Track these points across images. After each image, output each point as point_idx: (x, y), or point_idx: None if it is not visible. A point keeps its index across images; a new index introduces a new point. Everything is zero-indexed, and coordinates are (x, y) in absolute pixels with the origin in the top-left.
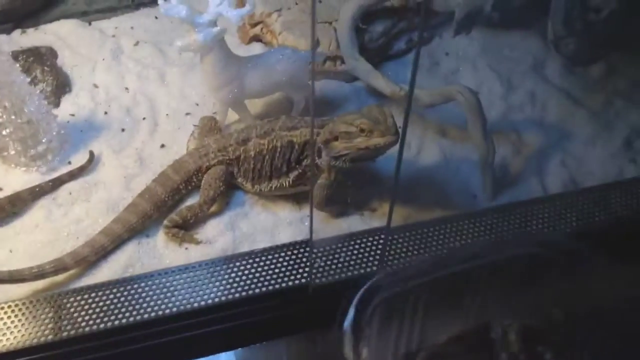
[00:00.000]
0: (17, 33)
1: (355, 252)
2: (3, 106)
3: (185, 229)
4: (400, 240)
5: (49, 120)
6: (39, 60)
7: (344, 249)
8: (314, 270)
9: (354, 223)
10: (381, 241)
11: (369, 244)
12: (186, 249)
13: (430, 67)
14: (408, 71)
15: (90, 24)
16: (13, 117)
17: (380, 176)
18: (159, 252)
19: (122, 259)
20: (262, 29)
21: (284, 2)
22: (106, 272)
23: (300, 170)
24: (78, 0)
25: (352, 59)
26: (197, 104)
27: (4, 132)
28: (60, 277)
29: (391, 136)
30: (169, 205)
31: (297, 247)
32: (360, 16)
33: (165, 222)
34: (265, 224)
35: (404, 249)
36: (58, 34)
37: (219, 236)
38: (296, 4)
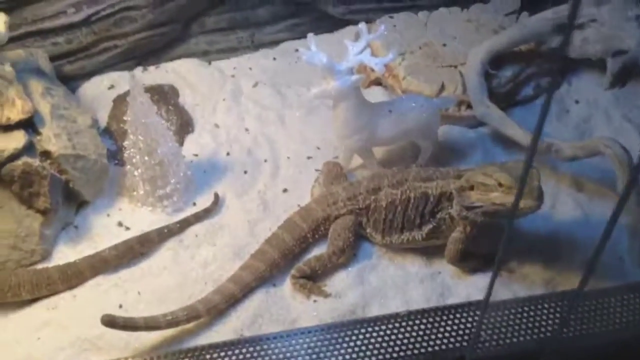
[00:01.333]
0: (138, 70)
1: (525, 319)
2: (138, 147)
3: (313, 280)
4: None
5: (178, 162)
6: (164, 99)
7: (516, 315)
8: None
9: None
10: (558, 309)
11: (545, 311)
12: (315, 301)
13: (560, 115)
14: (535, 118)
15: (210, 63)
16: (146, 157)
17: (520, 233)
18: (286, 302)
19: (251, 309)
20: (385, 73)
21: (408, 47)
22: (235, 322)
23: (434, 224)
24: (200, 40)
25: (482, 105)
26: (319, 148)
27: (135, 173)
28: (190, 325)
29: (532, 201)
30: (295, 254)
31: (455, 310)
32: (490, 61)
33: (293, 271)
34: (395, 279)
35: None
36: (179, 73)
37: (347, 289)
38: (420, 48)
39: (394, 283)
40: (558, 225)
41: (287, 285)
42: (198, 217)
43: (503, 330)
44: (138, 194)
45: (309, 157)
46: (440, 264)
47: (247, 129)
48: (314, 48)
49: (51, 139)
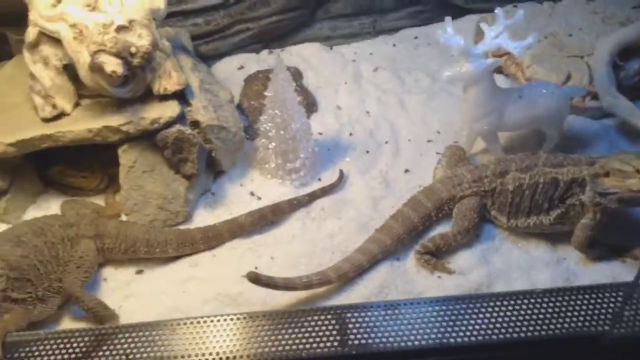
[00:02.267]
0: (264, 53)
1: None
2: (275, 122)
3: (436, 257)
4: None
5: (308, 138)
6: None
7: None
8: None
9: (616, 270)
10: None
11: None
12: (439, 277)
13: None
14: None
15: (331, 48)
16: (282, 132)
17: None
18: (410, 277)
19: (377, 280)
20: (506, 60)
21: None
22: (363, 290)
23: (562, 210)
24: (324, 25)
25: (610, 96)
26: (439, 132)
27: (270, 146)
28: (322, 290)
29: None
30: (419, 231)
31: (592, 290)
32: (618, 52)
33: (418, 247)
34: (519, 262)
35: None
36: (302, 56)
37: (472, 268)
38: (545, 37)
39: (519, 266)
40: None
41: (410, 260)
42: (325, 191)
43: None
44: (269, 166)
45: (429, 141)
46: (564, 250)
47: (368, 112)
48: (451, 31)
49: (200, 110)
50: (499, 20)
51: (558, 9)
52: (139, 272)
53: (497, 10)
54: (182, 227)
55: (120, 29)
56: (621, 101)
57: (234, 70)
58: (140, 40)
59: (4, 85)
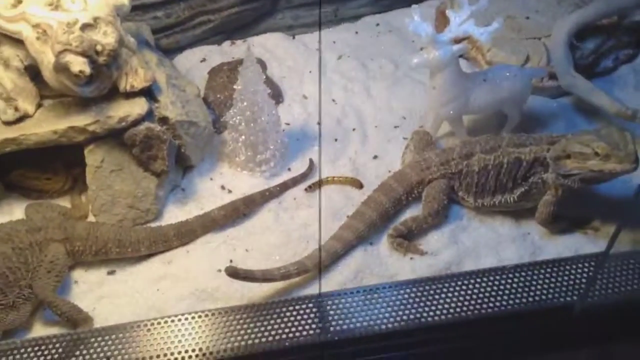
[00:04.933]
0: (226, 44)
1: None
2: (245, 115)
3: (408, 240)
4: None
5: (277, 129)
6: None
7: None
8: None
9: (579, 242)
10: None
11: None
12: (411, 258)
13: (637, 85)
14: (615, 89)
15: (294, 37)
16: (252, 124)
17: (602, 194)
18: (384, 260)
19: (352, 265)
20: (467, 42)
21: (492, 19)
22: (339, 277)
23: (526, 188)
24: (285, 14)
25: (569, 76)
26: (404, 118)
27: (239, 139)
28: (299, 279)
29: (629, 164)
30: (391, 215)
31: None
32: (575, 33)
33: (391, 231)
34: (486, 239)
35: None
36: (265, 46)
37: (442, 249)
38: (504, 20)
39: (486, 243)
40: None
41: (383, 244)
42: (295, 181)
43: (612, 282)
44: (239, 159)
45: (395, 126)
46: (528, 225)
47: (334, 100)
48: (418, 18)
49: (168, 106)
50: (464, 7)
51: None
52: (111, 272)
53: None
54: (153, 224)
55: (85, 27)
56: (579, 80)
57: (196, 62)
58: (105, 37)
59: None
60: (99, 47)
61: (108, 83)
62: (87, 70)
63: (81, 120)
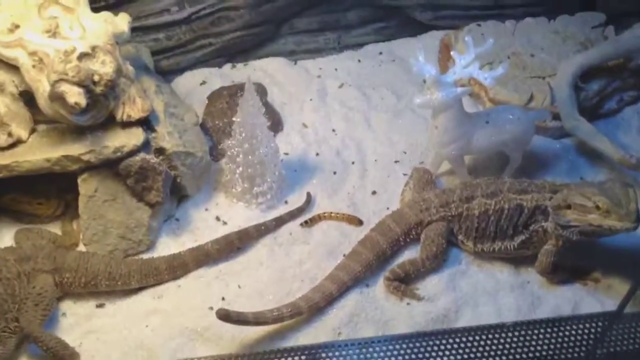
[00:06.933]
0: (227, 67)
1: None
2: (243, 147)
3: (405, 283)
4: None
5: (275, 161)
6: None
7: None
8: None
9: (578, 293)
10: None
11: None
12: (408, 304)
13: None
14: (618, 132)
15: (295, 63)
16: (250, 157)
17: (603, 245)
18: (380, 303)
19: (347, 308)
20: (469, 81)
21: (496, 56)
22: (333, 320)
23: (526, 235)
24: (288, 40)
25: (573, 119)
26: (405, 152)
27: (237, 171)
28: (292, 321)
29: (630, 223)
30: (387, 255)
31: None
32: (580, 74)
33: (387, 274)
34: (485, 286)
35: None
36: (266, 71)
37: (439, 294)
38: (508, 57)
39: (485, 290)
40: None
41: (379, 286)
42: (292, 215)
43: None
44: (236, 190)
45: (396, 161)
46: (527, 273)
47: (334, 130)
48: (422, 59)
49: (165, 137)
50: (470, 49)
51: (521, 28)
52: (100, 305)
53: (468, 39)
54: (144, 256)
55: (82, 56)
56: (582, 124)
57: (196, 85)
58: (103, 67)
59: None
60: (96, 77)
61: (104, 112)
62: (83, 102)
63: (76, 149)
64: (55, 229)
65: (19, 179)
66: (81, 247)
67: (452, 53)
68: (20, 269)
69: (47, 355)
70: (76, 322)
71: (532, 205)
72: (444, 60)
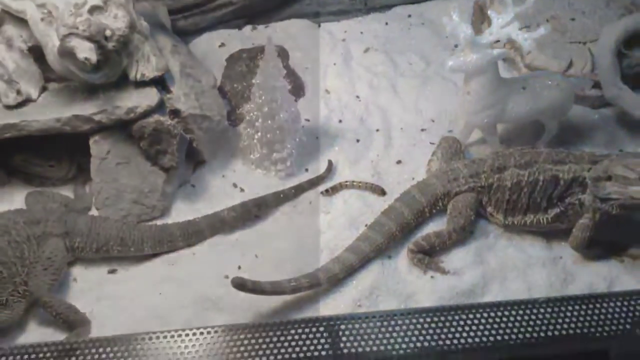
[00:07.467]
0: (247, 29)
1: None
2: (263, 111)
3: (430, 256)
4: None
5: (296, 127)
6: None
7: None
8: None
9: (614, 270)
10: None
11: None
12: (432, 277)
13: None
14: None
15: (319, 25)
16: (269, 121)
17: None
18: (402, 277)
19: (368, 280)
20: (504, 45)
21: (534, 19)
22: (353, 292)
23: (561, 209)
24: (312, 1)
25: (614, 87)
26: (433, 120)
27: (255, 136)
28: (310, 292)
29: None
30: (412, 227)
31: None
32: (624, 40)
33: (411, 246)
34: (515, 261)
35: None
36: (288, 33)
37: (466, 268)
38: (547, 21)
39: (514, 265)
40: None
41: (402, 258)
42: (312, 184)
43: None
44: (254, 156)
45: (422, 129)
46: (560, 248)
47: (358, 96)
48: (457, 18)
49: (181, 98)
50: (508, 8)
51: None
52: (112, 271)
53: None
54: (159, 222)
55: (93, 9)
56: (626, 93)
57: (214, 47)
58: (115, 22)
59: None
60: (108, 32)
61: (117, 70)
62: (94, 57)
63: (87, 108)
64: (67, 192)
65: (30, 139)
66: (94, 212)
67: (489, 12)
68: (30, 232)
69: (56, 320)
70: (88, 288)
71: (569, 177)
72: (477, 24)
